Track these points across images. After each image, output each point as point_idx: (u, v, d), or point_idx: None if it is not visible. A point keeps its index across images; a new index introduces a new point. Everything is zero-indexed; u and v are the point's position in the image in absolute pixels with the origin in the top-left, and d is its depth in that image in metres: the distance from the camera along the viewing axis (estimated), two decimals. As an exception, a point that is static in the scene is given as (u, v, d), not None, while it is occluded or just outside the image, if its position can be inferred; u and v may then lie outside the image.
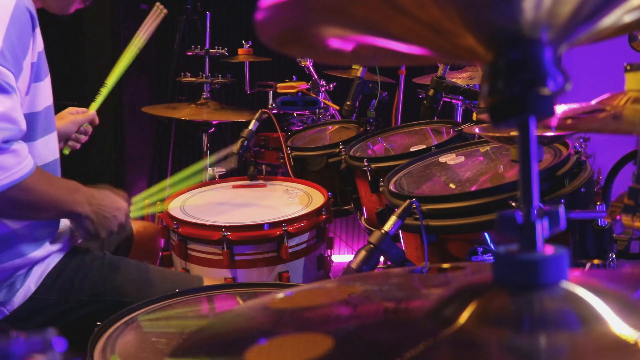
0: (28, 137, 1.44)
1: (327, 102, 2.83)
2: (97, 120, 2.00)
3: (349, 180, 2.14)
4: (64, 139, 1.94)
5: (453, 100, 2.91)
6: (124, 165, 3.56)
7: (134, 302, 1.57)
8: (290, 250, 1.82)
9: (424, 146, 1.95)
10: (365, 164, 1.89)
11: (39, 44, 1.49)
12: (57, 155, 1.62)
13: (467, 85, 2.49)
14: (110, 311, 1.54)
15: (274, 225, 1.81)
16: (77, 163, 1.71)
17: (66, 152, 1.96)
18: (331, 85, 2.97)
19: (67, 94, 3.44)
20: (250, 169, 2.35)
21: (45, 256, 1.55)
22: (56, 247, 1.58)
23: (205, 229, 1.82)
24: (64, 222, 1.63)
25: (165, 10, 2.14)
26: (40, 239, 1.54)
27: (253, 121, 2.39)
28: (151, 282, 1.61)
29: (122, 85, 3.48)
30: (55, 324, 1.52)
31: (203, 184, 2.32)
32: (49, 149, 1.57)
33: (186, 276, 1.72)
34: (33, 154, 1.46)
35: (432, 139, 2.17)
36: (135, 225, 2.03)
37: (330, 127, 2.76)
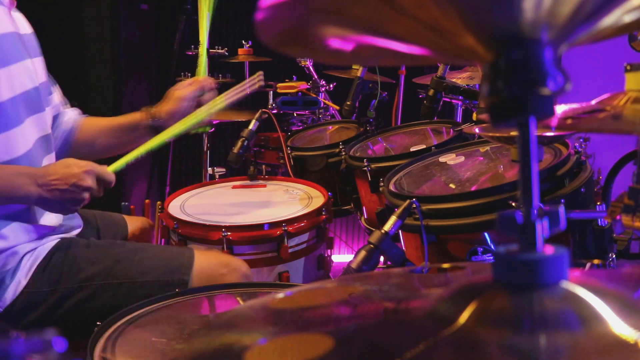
0: (1, 127, 1.44)
1: (327, 102, 2.83)
2: (211, 83, 1.89)
3: (349, 180, 2.14)
4: (184, 115, 1.83)
5: (453, 100, 2.92)
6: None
7: (123, 282, 1.55)
8: (290, 250, 1.81)
9: (424, 146, 1.95)
10: (365, 164, 1.89)
11: None
12: (28, 147, 1.56)
13: (467, 85, 2.49)
14: (102, 295, 1.53)
15: (274, 225, 1.81)
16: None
17: (206, 130, 1.89)
18: (331, 85, 2.97)
19: (67, 94, 3.44)
20: (250, 169, 2.35)
21: (33, 248, 1.54)
22: (44, 239, 1.57)
23: (205, 229, 1.82)
24: (53, 213, 1.63)
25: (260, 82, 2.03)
26: (27, 232, 1.53)
27: (253, 121, 2.39)
28: (139, 260, 1.58)
29: (122, 85, 3.49)
30: (49, 316, 1.51)
31: (203, 184, 2.32)
32: (16, 142, 1.53)
33: (175, 249, 1.68)
34: (13, 143, 1.46)
35: (432, 139, 2.17)
36: (130, 225, 2.02)
37: (330, 127, 2.76)
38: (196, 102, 1.85)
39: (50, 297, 1.52)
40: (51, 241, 1.58)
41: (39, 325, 1.49)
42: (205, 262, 1.60)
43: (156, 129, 1.80)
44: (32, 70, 1.58)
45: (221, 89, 3.26)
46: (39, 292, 1.52)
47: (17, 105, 1.52)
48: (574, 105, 0.98)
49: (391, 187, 1.59)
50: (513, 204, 1.29)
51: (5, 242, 1.49)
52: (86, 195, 1.48)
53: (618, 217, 1.07)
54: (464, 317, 0.47)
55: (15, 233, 1.51)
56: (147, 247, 1.67)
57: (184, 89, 1.86)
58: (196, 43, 3.17)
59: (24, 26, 1.66)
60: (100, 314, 1.17)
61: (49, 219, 1.60)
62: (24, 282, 1.51)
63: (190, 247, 1.67)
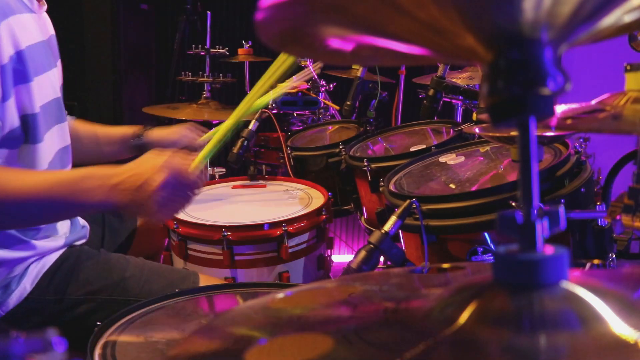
0: (31, 139, 1.43)
1: (327, 102, 2.83)
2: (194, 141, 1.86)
3: (349, 180, 2.14)
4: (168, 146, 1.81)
5: (453, 100, 2.92)
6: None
7: (129, 300, 1.54)
8: (290, 250, 1.81)
9: (424, 146, 1.95)
10: (365, 164, 1.89)
11: (18, 39, 1.37)
12: (49, 160, 1.53)
13: (467, 85, 2.50)
14: (106, 309, 1.52)
15: (274, 225, 1.81)
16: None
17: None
18: (331, 85, 2.97)
19: (67, 94, 3.44)
20: (250, 169, 2.35)
21: (42, 255, 1.54)
22: (53, 246, 1.56)
23: (205, 229, 1.82)
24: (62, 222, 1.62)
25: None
26: (36, 239, 1.53)
27: (253, 121, 2.39)
28: (147, 280, 1.59)
29: (122, 85, 3.49)
30: (50, 324, 1.51)
31: (203, 184, 2.31)
32: (40, 154, 1.50)
33: (182, 272, 1.70)
34: (38, 155, 1.45)
35: (432, 139, 2.17)
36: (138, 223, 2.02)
37: (330, 127, 2.76)
38: (186, 144, 1.86)
39: (54, 305, 1.52)
40: (60, 249, 1.58)
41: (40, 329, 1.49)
42: None
43: (139, 148, 1.82)
44: (56, 78, 1.57)
45: (221, 89, 3.28)
46: (44, 299, 1.52)
47: (45, 117, 1.50)
48: (574, 105, 0.98)
49: (391, 187, 1.59)
50: (513, 204, 1.29)
51: (12, 253, 1.49)
52: (164, 198, 1.27)
53: (618, 217, 1.07)
54: (464, 317, 0.47)
55: (21, 243, 1.51)
56: (155, 266, 1.67)
57: (188, 131, 1.88)
58: (197, 43, 3.18)
59: (50, 28, 1.64)
60: None
61: (56, 228, 1.60)
62: (29, 289, 1.51)
63: (196, 272, 1.67)
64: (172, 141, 1.86)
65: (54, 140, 1.56)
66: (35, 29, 1.48)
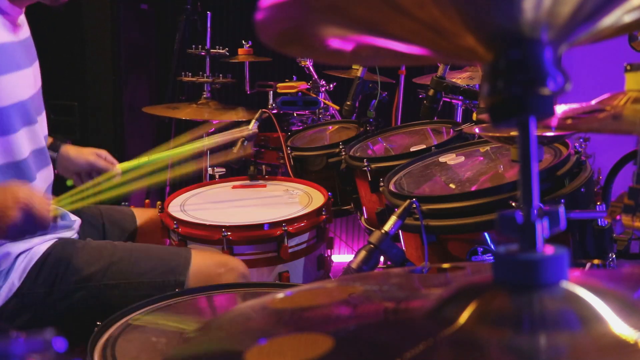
0: None
1: (327, 102, 2.83)
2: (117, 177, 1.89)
3: (349, 180, 2.14)
4: (74, 172, 1.89)
5: (453, 100, 2.92)
6: (124, 165, 3.55)
7: (120, 283, 1.55)
8: (290, 250, 1.81)
9: (424, 146, 1.95)
10: (365, 164, 1.89)
11: None
12: (23, 157, 1.55)
13: (467, 85, 2.50)
14: (97, 296, 1.52)
15: (274, 225, 1.81)
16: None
17: (69, 183, 1.90)
18: (331, 85, 2.97)
19: (67, 94, 3.45)
20: (250, 169, 2.35)
21: (28, 248, 1.53)
22: (39, 238, 1.55)
23: (205, 229, 1.82)
24: None
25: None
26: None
27: (253, 121, 2.39)
28: (135, 261, 1.57)
29: (122, 85, 3.49)
30: (43, 317, 1.50)
31: (203, 184, 2.32)
32: (12, 148, 1.52)
33: (172, 249, 1.69)
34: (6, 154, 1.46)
35: (432, 139, 2.17)
36: (140, 219, 2.02)
37: (330, 127, 2.76)
38: (89, 170, 1.89)
39: (45, 298, 1.51)
40: (47, 241, 1.57)
41: (33, 326, 1.49)
42: (202, 262, 1.60)
43: (52, 160, 1.81)
44: (28, 80, 1.57)
45: (221, 89, 3.27)
46: (33, 293, 1.51)
47: (11, 115, 1.51)
48: (574, 105, 0.98)
49: (391, 187, 1.59)
50: (513, 204, 1.29)
51: None
52: (12, 229, 1.37)
53: (618, 217, 1.07)
54: (464, 317, 0.47)
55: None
56: (144, 247, 1.66)
57: (98, 159, 1.89)
58: (197, 43, 3.17)
59: (26, 31, 1.64)
60: (96, 315, 1.17)
61: None
62: (17, 284, 1.50)
63: (188, 248, 1.66)
64: (88, 162, 1.87)
65: (24, 140, 1.56)
66: (1, 30, 1.48)
